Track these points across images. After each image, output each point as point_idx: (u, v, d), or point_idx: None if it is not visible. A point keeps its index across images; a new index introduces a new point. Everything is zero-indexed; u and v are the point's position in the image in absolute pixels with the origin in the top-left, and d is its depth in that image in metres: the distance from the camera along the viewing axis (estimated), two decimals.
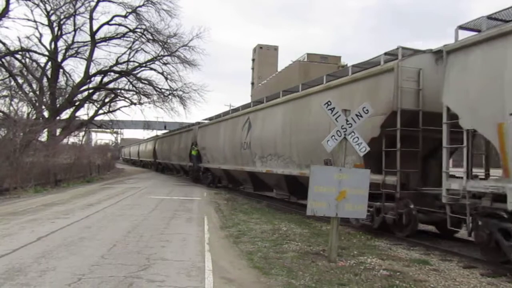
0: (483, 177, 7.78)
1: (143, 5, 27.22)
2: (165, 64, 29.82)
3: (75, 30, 27.98)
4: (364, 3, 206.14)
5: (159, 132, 49.62)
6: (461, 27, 7.60)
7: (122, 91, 30.90)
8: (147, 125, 35.42)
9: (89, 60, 28.28)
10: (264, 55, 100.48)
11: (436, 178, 8.54)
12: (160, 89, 30.27)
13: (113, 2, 27.28)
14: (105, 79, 29.95)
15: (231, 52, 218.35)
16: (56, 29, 27.41)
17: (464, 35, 7.46)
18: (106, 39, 28.92)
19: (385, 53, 9.46)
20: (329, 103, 6.93)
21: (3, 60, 24.69)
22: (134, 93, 30.70)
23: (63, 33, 28.14)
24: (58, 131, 26.96)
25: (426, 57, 8.99)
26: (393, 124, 8.65)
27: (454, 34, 7.63)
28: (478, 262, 6.99)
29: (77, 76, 30.17)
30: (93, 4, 27.32)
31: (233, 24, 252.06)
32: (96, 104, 31.26)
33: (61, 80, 28.85)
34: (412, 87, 8.76)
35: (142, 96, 30.51)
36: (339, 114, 6.89)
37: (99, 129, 40.20)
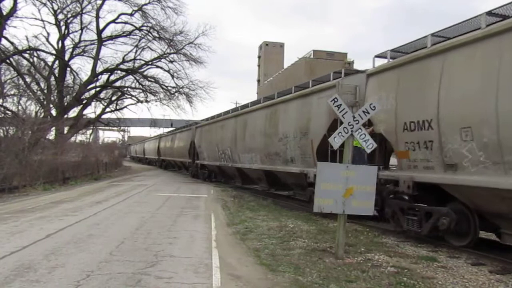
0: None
1: (149, 3, 27.34)
2: (171, 61, 29.96)
3: (82, 29, 28.20)
4: (378, 3, 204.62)
5: (165, 130, 48.96)
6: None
7: (129, 89, 31.09)
8: (153, 123, 35.54)
9: (96, 58, 28.46)
10: (270, 52, 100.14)
11: None
12: (167, 86, 30.41)
13: (119, 0, 27.43)
14: (112, 77, 30.15)
15: (240, 50, 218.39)
16: (63, 28, 27.64)
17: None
18: (112, 38, 29.10)
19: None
20: (335, 99, 6.91)
21: (11, 59, 24.90)
22: (141, 91, 30.88)
23: (70, 31, 28.41)
24: (65, 129, 27.18)
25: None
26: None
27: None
28: (487, 259, 6.94)
29: (84, 75, 30.46)
30: (99, 2, 27.52)
31: (244, 22, 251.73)
32: (103, 102, 31.51)
33: (69, 78, 29.16)
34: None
35: (149, 94, 30.69)
36: (346, 111, 6.87)
37: (106, 127, 40.44)
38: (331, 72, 11.89)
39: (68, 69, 28.66)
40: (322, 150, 11.43)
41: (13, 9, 23.60)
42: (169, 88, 30.36)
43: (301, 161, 12.66)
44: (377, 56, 9.99)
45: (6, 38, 24.41)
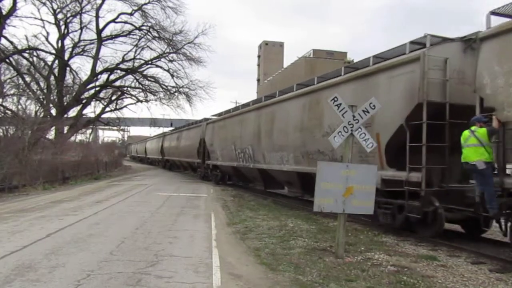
0: None
1: (149, 2, 27.34)
2: (171, 61, 29.96)
3: (81, 28, 28.21)
4: (378, 3, 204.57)
5: (165, 129, 48.55)
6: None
7: (129, 88, 31.10)
8: (153, 122, 35.56)
9: (96, 58, 28.46)
10: (270, 51, 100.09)
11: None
12: (166, 86, 30.42)
13: None
14: (112, 77, 30.15)
15: (240, 50, 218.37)
16: (62, 27, 27.66)
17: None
18: (112, 37, 29.11)
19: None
20: (335, 98, 6.91)
21: (11, 58, 24.90)
22: (141, 90, 30.89)
23: (70, 31, 28.43)
24: (65, 129, 27.20)
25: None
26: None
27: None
28: (487, 258, 6.94)
29: (84, 74, 30.43)
30: (99, 2, 27.52)
31: (244, 22, 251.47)
32: (103, 101, 31.51)
33: (68, 78, 29.18)
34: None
35: (149, 94, 30.70)
36: (345, 110, 6.87)
37: (106, 127, 40.44)
38: (407, 43, 8.95)
39: (68, 68, 28.71)
40: (394, 147, 8.53)
41: (13, 9, 23.62)
42: (169, 87, 30.41)
43: (358, 161, 9.16)
44: (494, 13, 7.09)
45: (5, 38, 24.48)
